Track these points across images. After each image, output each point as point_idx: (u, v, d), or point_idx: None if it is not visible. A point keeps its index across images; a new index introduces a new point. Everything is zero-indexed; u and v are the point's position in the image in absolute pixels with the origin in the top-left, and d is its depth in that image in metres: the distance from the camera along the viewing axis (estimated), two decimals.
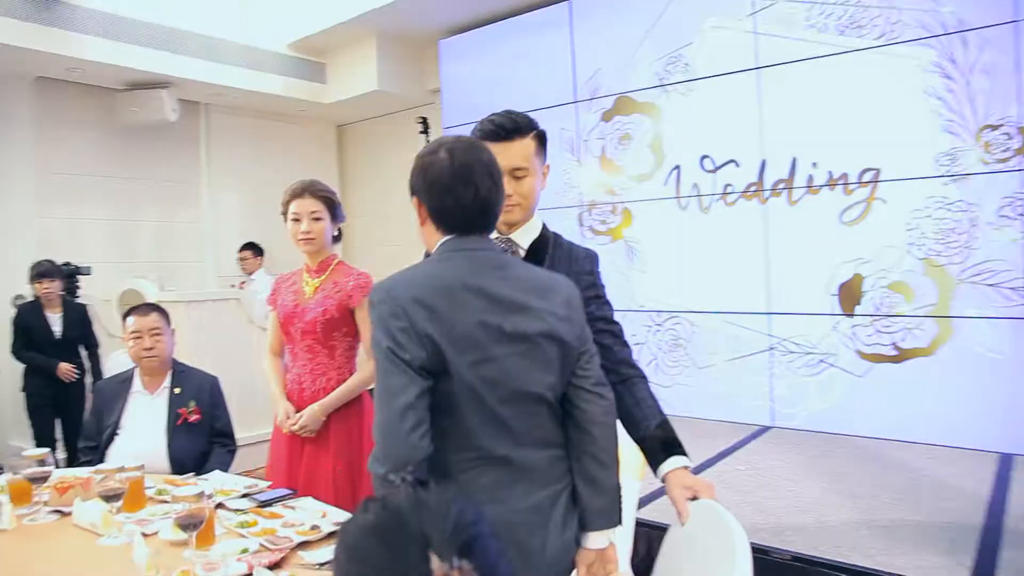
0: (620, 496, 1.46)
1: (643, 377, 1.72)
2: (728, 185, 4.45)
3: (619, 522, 1.45)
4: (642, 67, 4.78)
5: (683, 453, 1.61)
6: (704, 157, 4.55)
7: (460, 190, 1.36)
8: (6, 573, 1.63)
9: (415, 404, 1.26)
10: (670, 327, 4.74)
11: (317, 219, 2.48)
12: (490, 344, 1.32)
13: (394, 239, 6.64)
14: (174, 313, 5.08)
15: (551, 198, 5.25)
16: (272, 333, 2.65)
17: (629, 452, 2.44)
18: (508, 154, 1.60)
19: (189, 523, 1.60)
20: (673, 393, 4.63)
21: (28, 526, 1.91)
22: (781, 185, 4.23)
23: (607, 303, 1.74)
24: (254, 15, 5.85)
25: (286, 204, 2.51)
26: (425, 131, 5.97)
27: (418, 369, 1.28)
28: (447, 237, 1.40)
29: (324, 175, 6.97)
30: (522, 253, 1.70)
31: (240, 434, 2.96)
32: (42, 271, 4.02)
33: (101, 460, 2.57)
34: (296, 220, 2.47)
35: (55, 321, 4.06)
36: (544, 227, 1.76)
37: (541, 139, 1.70)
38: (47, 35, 4.72)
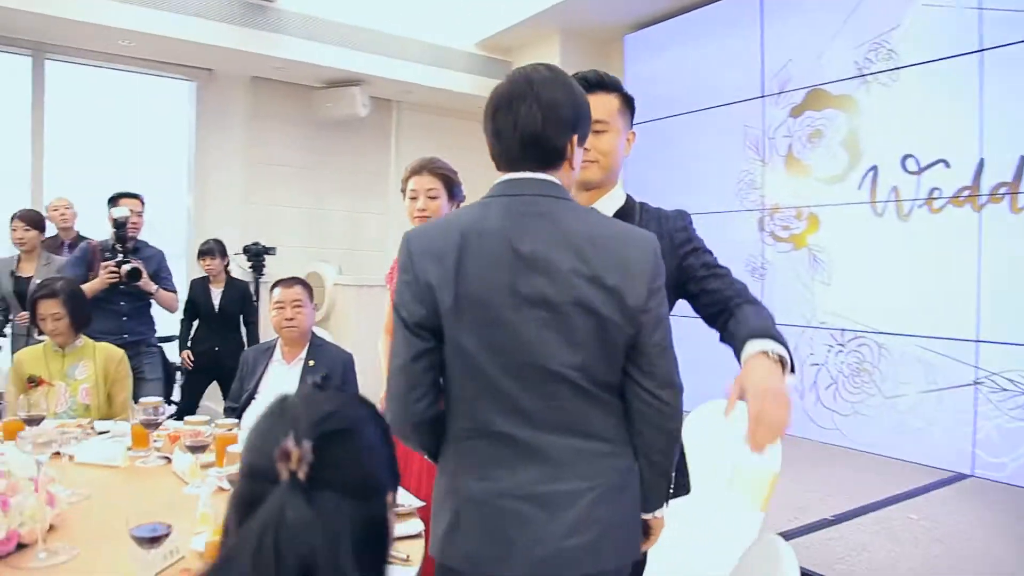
0: (665, 484, 1.31)
1: (752, 302, 1.48)
2: (935, 189, 3.82)
3: (656, 507, 1.31)
4: (839, 56, 4.27)
5: (770, 337, 1.31)
6: (907, 157, 3.95)
7: (500, 119, 1.25)
8: (101, 504, 1.75)
9: (409, 366, 1.19)
10: (854, 348, 4.18)
11: (433, 197, 2.43)
12: (501, 306, 1.16)
13: None
14: (347, 296, 5.41)
15: (728, 199, 4.88)
16: (388, 313, 2.67)
17: (751, 479, 2.14)
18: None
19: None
20: (852, 423, 4.08)
21: (139, 467, 2.06)
22: (1003, 189, 3.55)
23: (708, 251, 1.58)
24: (443, 15, 6.05)
25: (405, 181, 2.50)
26: None
27: (415, 328, 1.19)
28: (500, 177, 1.29)
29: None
30: None
31: None
32: (204, 249, 4.44)
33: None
34: (413, 198, 2.45)
35: (216, 295, 4.46)
36: (629, 197, 1.61)
37: (628, 101, 1.59)
38: (259, 38, 5.20)
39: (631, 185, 5.03)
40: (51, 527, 1.51)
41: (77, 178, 5.20)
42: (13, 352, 3.50)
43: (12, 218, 3.88)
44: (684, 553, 2.35)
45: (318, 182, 6.27)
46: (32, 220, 3.89)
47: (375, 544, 0.75)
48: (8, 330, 3.97)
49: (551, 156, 1.27)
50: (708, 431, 2.40)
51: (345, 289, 5.35)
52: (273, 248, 5.03)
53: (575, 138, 1.29)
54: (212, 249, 4.42)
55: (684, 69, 5.26)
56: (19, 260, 3.90)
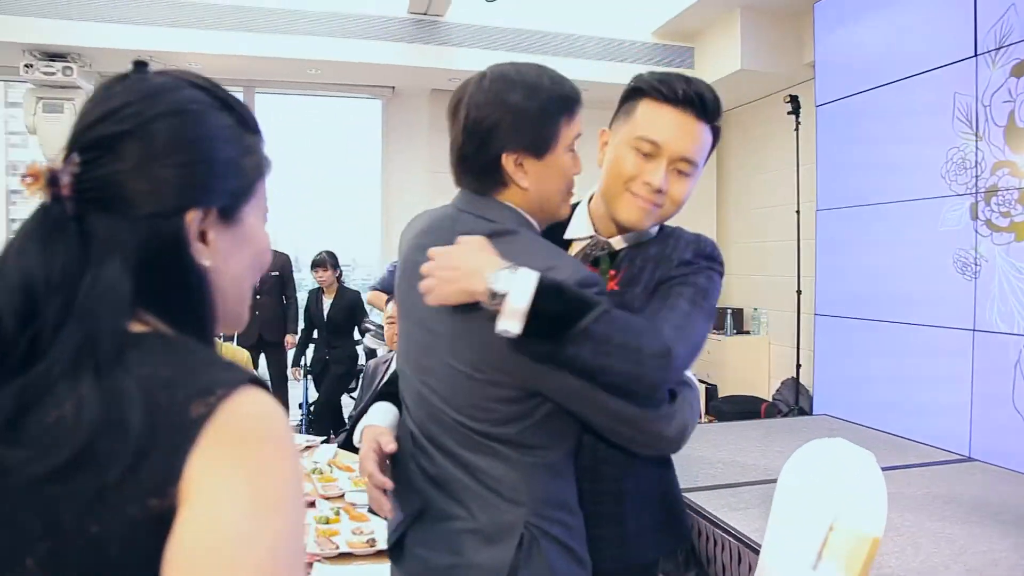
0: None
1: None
2: None
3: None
4: None
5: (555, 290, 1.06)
6: None
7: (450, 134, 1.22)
8: None
9: None
10: None
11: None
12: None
13: (770, 236, 6.03)
14: None
15: (933, 183, 4.10)
16: None
17: (848, 543, 1.78)
18: (686, 134, 1.23)
19: None
20: None
21: None
22: None
23: (691, 292, 1.20)
24: (616, 7, 5.83)
25: None
26: (795, 111, 5.21)
27: None
28: None
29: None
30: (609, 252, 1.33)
31: None
32: (317, 261, 4.71)
33: (343, 433, 2.88)
34: None
35: (326, 305, 4.71)
36: (662, 227, 1.36)
37: (717, 137, 1.31)
38: (432, 53, 5.44)
39: (823, 171, 4.49)
40: None
41: (284, 195, 5.86)
42: None
43: None
44: None
45: None
46: None
47: (161, 262, 0.63)
48: None
49: (482, 177, 1.15)
50: (807, 476, 2.03)
51: None
52: None
53: (511, 157, 1.14)
54: (324, 260, 4.68)
55: (881, 35, 4.52)
56: None
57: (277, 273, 4.67)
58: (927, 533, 2.76)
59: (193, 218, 0.64)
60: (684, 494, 3.08)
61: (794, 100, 5.18)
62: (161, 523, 0.54)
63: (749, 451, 3.67)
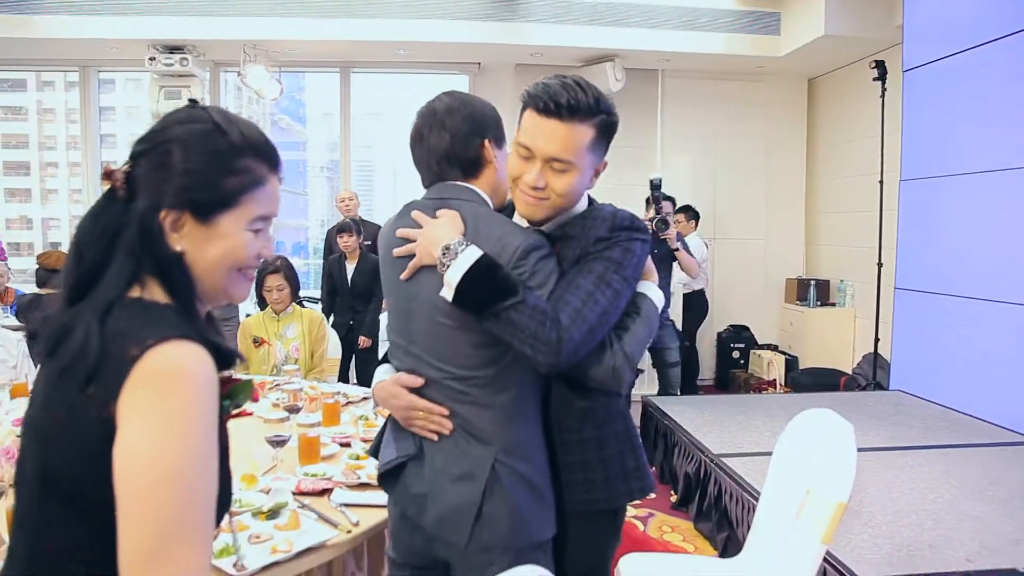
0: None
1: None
2: None
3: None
4: None
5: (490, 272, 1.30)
6: None
7: (418, 152, 1.50)
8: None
9: None
10: None
11: None
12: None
13: (855, 207, 5.88)
14: None
15: (1020, 154, 3.91)
16: None
17: (819, 508, 1.93)
18: (551, 137, 1.32)
19: (276, 441, 2.01)
20: None
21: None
22: None
23: (611, 266, 1.34)
24: None
25: None
26: (881, 77, 5.03)
27: None
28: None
29: (791, 136, 6.56)
30: None
31: None
32: (340, 227, 4.88)
33: None
34: None
35: (349, 271, 4.92)
36: (589, 206, 1.47)
37: (605, 129, 1.38)
38: (513, 30, 5.62)
39: (908, 139, 4.35)
40: None
41: (378, 170, 6.28)
42: None
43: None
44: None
45: None
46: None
47: (151, 248, 0.90)
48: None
49: (468, 166, 1.44)
50: (795, 445, 2.15)
51: None
52: None
53: (487, 142, 1.44)
54: (350, 226, 4.87)
55: None
56: None
57: (370, 243, 5.03)
58: (956, 511, 2.79)
59: (166, 215, 0.90)
60: (724, 458, 3.25)
61: (880, 65, 5.00)
62: (105, 427, 0.80)
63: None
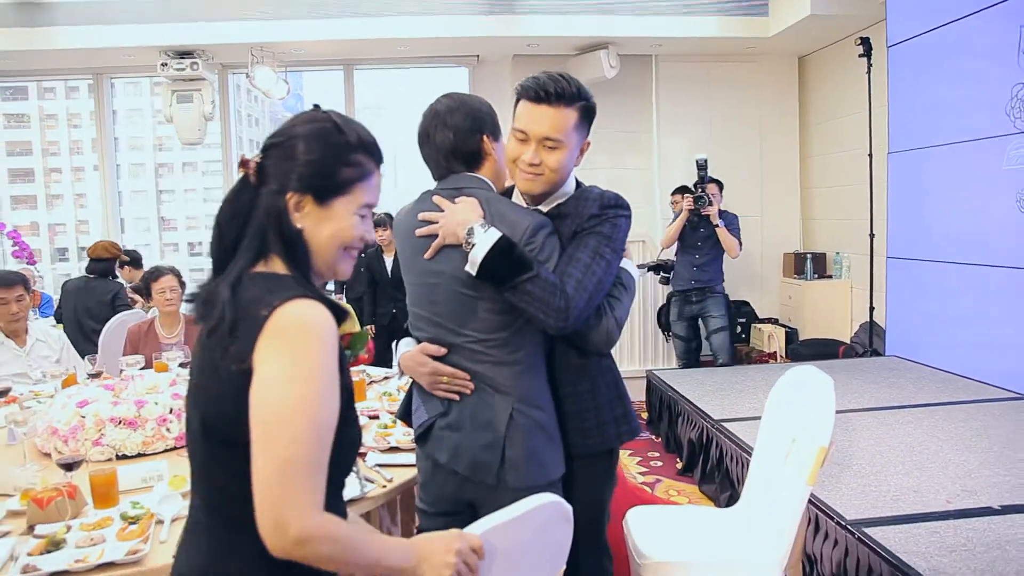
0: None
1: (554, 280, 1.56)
2: None
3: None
4: None
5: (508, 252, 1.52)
6: None
7: (425, 149, 1.70)
8: None
9: None
10: None
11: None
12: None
13: (848, 180, 6.06)
14: None
15: (998, 121, 4.09)
16: None
17: (803, 452, 2.14)
18: (542, 120, 1.57)
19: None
20: None
21: None
22: None
23: (603, 240, 1.59)
24: None
25: None
26: (867, 53, 5.19)
27: None
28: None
29: (784, 114, 6.72)
30: None
31: None
32: (377, 221, 5.01)
33: None
34: None
35: (388, 263, 5.09)
36: (577, 188, 1.71)
37: (586, 113, 1.62)
38: (509, 22, 5.79)
39: (895, 113, 4.50)
40: None
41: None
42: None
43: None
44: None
45: None
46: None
47: (277, 225, 1.06)
48: None
49: (470, 159, 1.65)
50: (782, 400, 2.35)
51: None
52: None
53: (485, 137, 1.64)
54: (384, 221, 5.04)
55: None
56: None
57: None
58: (942, 460, 3.00)
59: (291, 196, 1.06)
60: (724, 423, 3.45)
61: (865, 42, 5.16)
62: (245, 378, 0.95)
63: None
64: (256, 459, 0.93)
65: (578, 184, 1.74)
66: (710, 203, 4.86)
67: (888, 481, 2.79)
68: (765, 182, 6.82)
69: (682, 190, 6.12)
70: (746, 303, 6.64)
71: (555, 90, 1.56)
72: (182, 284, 3.68)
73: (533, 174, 1.60)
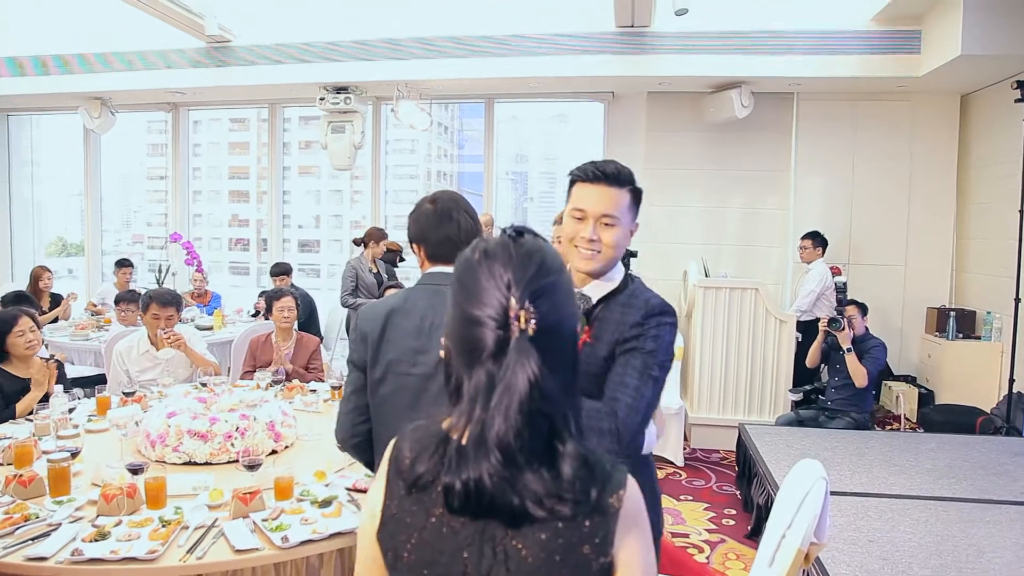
0: None
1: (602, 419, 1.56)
2: None
3: None
4: None
5: None
6: None
7: (447, 227, 1.83)
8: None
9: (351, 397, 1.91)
10: None
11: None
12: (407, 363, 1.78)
13: (1004, 234, 5.50)
14: (708, 297, 5.62)
15: None
16: None
17: (786, 556, 2.14)
18: (600, 199, 1.64)
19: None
20: None
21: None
22: None
23: (648, 357, 1.58)
24: None
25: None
26: (1023, 99, 4.71)
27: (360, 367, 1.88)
28: (429, 269, 1.85)
29: (941, 155, 6.22)
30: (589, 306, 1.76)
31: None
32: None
33: None
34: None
35: None
36: (626, 278, 1.73)
37: (636, 196, 1.70)
38: (641, 61, 5.88)
39: None
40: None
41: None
42: None
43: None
44: None
45: (714, 181, 6.64)
46: None
47: (575, 367, 0.95)
48: None
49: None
50: (787, 490, 2.31)
51: (706, 291, 5.41)
52: (635, 251, 5.56)
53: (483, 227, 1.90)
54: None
55: None
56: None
57: None
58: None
59: (579, 327, 1.06)
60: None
61: (1022, 86, 4.69)
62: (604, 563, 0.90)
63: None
64: None
65: (627, 276, 1.74)
66: (842, 327, 4.65)
67: None
68: (912, 228, 6.35)
69: (812, 235, 5.88)
70: None
71: (611, 171, 1.64)
72: (297, 306, 4.23)
73: (592, 251, 1.65)
